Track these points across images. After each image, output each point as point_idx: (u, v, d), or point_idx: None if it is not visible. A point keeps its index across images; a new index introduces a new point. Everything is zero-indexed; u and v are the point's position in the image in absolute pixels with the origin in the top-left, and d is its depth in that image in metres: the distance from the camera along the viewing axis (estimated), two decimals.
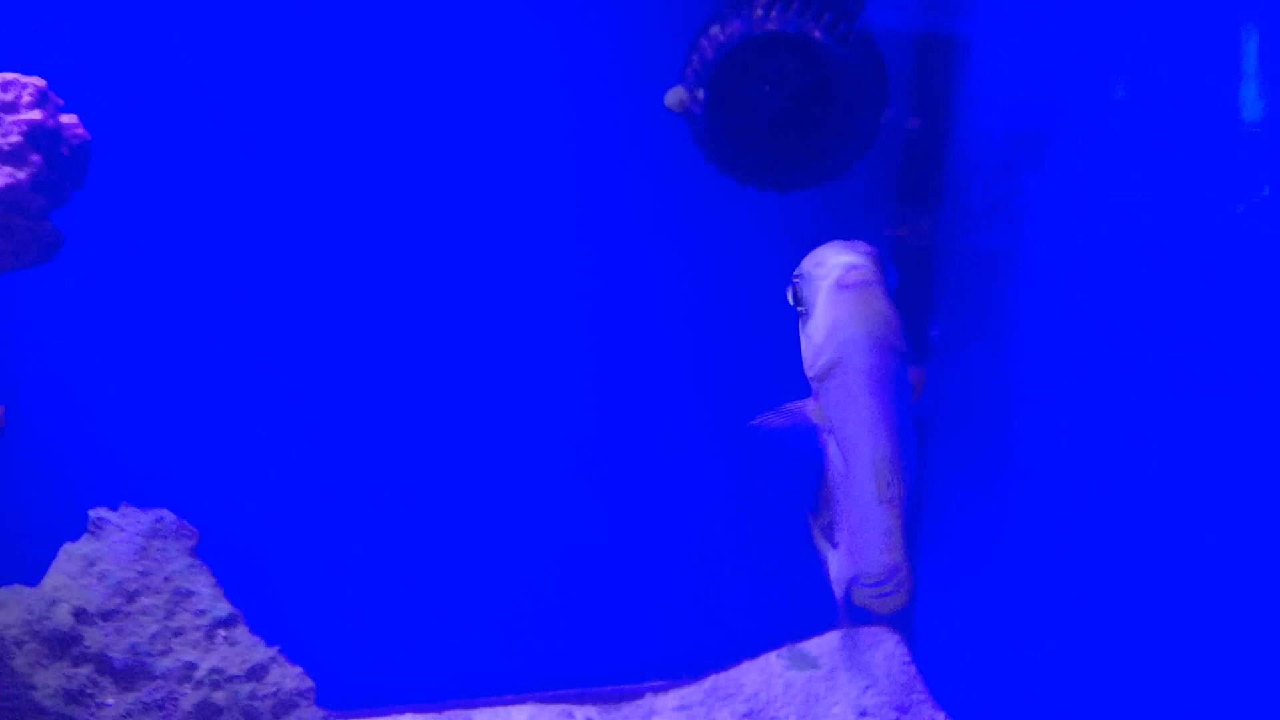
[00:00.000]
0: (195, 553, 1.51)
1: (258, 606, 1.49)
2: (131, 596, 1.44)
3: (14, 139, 1.10)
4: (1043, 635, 1.83)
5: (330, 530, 1.76)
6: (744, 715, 1.74)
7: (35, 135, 1.11)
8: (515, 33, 1.65)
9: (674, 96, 1.45)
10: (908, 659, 1.86)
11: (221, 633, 1.45)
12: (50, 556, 1.46)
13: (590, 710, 1.87)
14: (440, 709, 1.87)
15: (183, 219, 1.62)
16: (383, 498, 1.77)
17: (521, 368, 1.78)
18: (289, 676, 1.42)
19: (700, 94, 1.44)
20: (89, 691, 1.36)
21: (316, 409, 1.72)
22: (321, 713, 1.42)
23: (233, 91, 1.58)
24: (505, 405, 1.78)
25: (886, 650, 1.88)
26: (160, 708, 1.36)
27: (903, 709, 1.76)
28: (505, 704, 1.88)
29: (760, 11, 1.40)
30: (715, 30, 1.44)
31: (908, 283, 1.19)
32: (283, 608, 1.60)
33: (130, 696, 1.36)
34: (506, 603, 1.87)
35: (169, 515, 1.51)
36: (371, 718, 1.74)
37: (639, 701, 1.89)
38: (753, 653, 1.90)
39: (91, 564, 1.45)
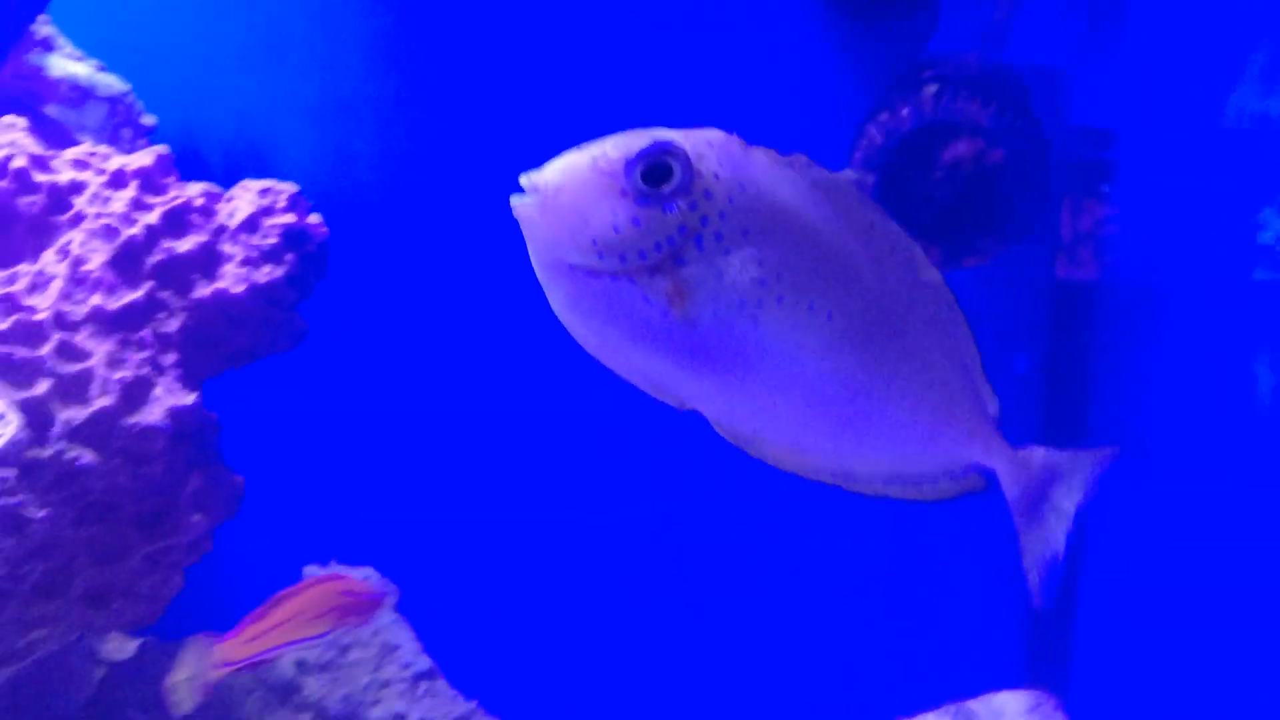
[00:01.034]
0: (397, 609, 1.64)
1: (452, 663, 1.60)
2: (344, 650, 1.56)
3: (273, 240, 1.23)
4: (1201, 705, 1.83)
5: (526, 582, 1.85)
6: None
7: (290, 236, 1.24)
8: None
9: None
10: None
11: (424, 685, 1.56)
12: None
13: None
14: None
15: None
16: (579, 553, 1.86)
17: None
18: None
19: (869, 179, 1.52)
20: None
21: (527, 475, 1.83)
22: None
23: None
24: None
25: (1046, 714, 1.90)
26: None
27: None
28: None
29: (930, 100, 1.48)
30: (884, 117, 1.52)
31: None
32: (475, 666, 1.69)
33: None
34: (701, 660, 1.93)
35: (374, 572, 1.64)
36: None
37: None
38: (909, 713, 1.94)
39: None
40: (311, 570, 1.62)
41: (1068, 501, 0.87)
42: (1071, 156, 1.79)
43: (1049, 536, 0.88)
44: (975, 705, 1.92)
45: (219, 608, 1.74)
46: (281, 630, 1.23)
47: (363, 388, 1.76)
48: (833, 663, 1.97)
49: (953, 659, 1.98)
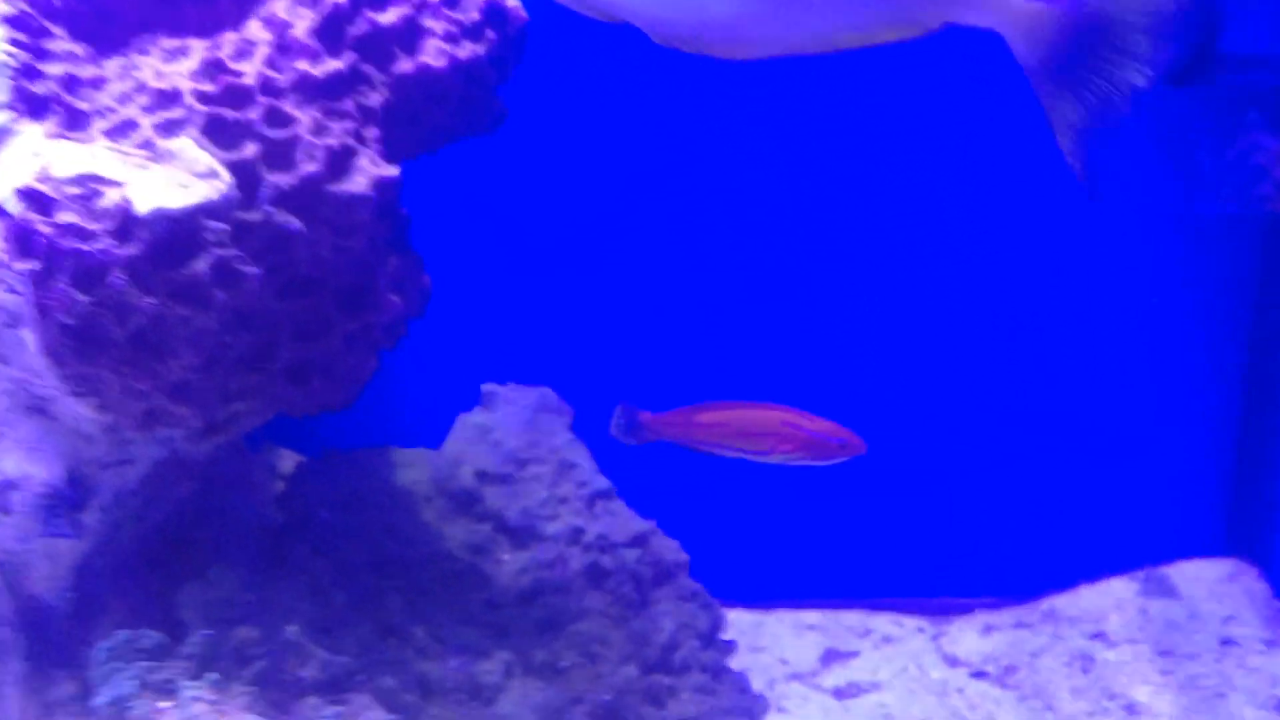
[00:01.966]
0: (572, 429, 1.61)
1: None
2: (522, 464, 1.54)
3: (474, 16, 1.18)
4: None
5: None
6: (1093, 636, 1.70)
7: (490, 13, 1.19)
8: None
9: None
10: (1271, 594, 1.76)
11: (601, 503, 1.54)
12: (444, 427, 1.59)
13: (921, 621, 1.88)
14: (768, 609, 1.92)
15: None
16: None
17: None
18: (667, 548, 1.49)
19: None
20: (489, 546, 1.47)
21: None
22: (696, 586, 1.48)
23: None
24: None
25: (1247, 584, 1.78)
26: (551, 566, 1.45)
27: (1271, 643, 1.67)
28: (834, 609, 1.90)
29: None
30: None
31: None
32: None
33: (524, 554, 1.46)
34: (852, 510, 1.88)
35: (552, 393, 1.61)
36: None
37: (970, 617, 1.87)
38: (1091, 578, 1.85)
39: (486, 432, 1.57)
40: (491, 388, 1.60)
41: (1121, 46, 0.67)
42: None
43: (1089, 97, 0.69)
44: (1169, 572, 1.81)
45: (393, 420, 1.76)
46: (716, 431, 1.23)
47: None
48: (1019, 520, 1.89)
49: (1146, 523, 1.87)
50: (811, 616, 1.86)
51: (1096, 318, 1.84)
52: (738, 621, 1.76)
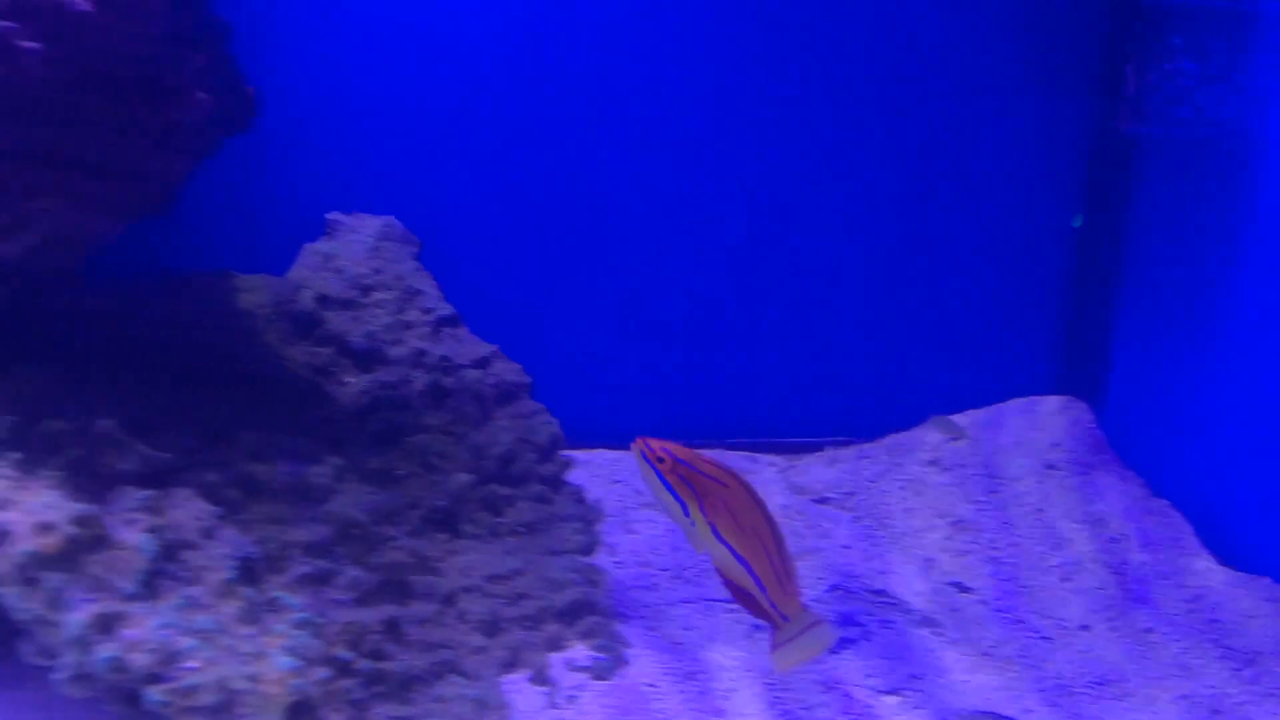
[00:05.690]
0: (419, 258, 1.62)
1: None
2: (366, 290, 1.54)
3: None
4: (1231, 409, 1.80)
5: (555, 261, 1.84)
6: (929, 463, 1.78)
7: None
8: None
9: None
10: (1094, 424, 1.86)
11: (446, 329, 1.55)
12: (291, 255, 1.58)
13: (774, 458, 1.94)
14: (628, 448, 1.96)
15: None
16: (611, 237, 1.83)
17: None
18: (510, 370, 1.52)
19: None
20: (332, 369, 1.48)
21: None
22: (537, 405, 1.51)
23: None
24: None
25: (1074, 415, 1.88)
26: (395, 387, 1.46)
27: (1089, 466, 1.77)
28: (694, 447, 1.96)
29: None
30: None
31: None
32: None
33: (368, 376, 1.47)
34: (707, 355, 1.93)
35: (397, 222, 1.61)
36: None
37: (819, 453, 1.94)
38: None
39: (329, 259, 1.56)
40: (336, 216, 1.59)
41: None
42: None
43: None
44: (1002, 407, 1.90)
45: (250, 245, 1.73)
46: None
47: None
48: (869, 368, 1.97)
49: (984, 364, 1.97)
50: None
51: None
52: (598, 459, 1.80)
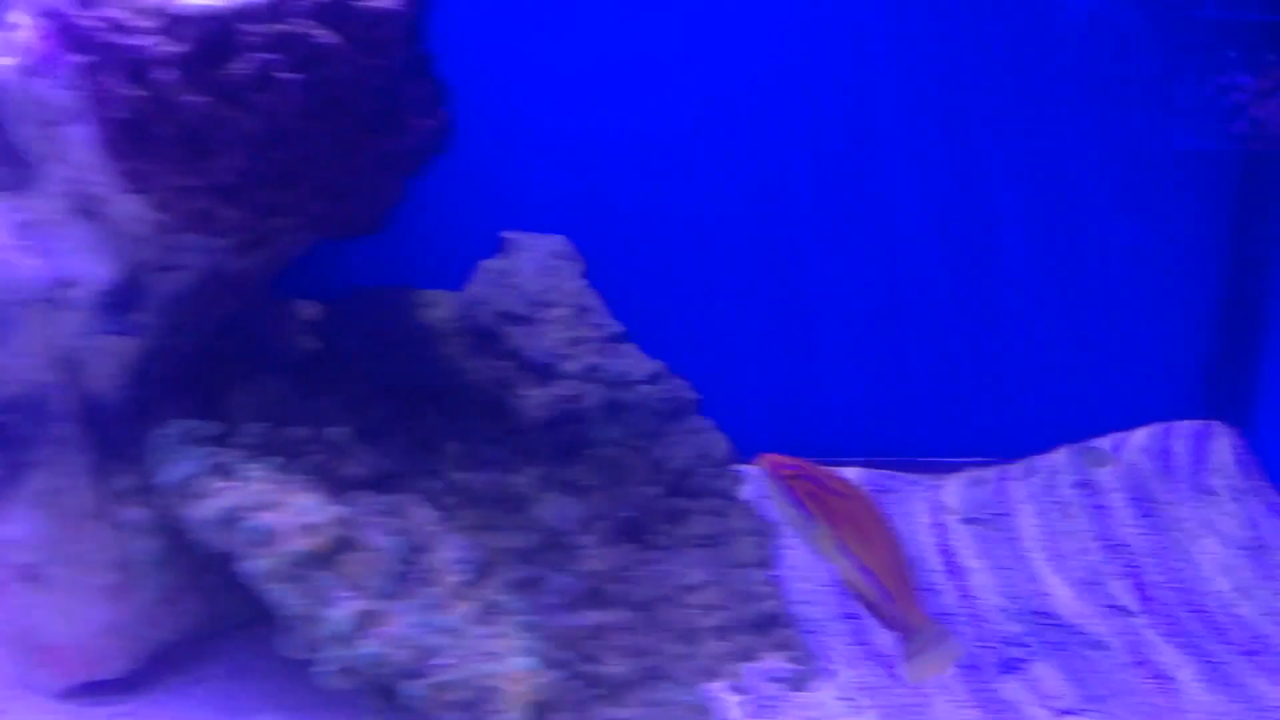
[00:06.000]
0: (585, 276, 1.66)
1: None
2: (540, 307, 1.59)
3: None
4: None
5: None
6: (1078, 485, 1.78)
7: None
8: None
9: None
10: (1244, 449, 1.84)
11: (616, 345, 1.59)
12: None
13: (914, 476, 1.95)
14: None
15: None
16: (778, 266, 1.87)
17: None
18: (680, 387, 1.55)
19: None
20: (512, 382, 1.52)
21: None
22: (707, 421, 1.54)
23: None
24: None
25: (1224, 440, 1.87)
26: (572, 401, 1.51)
27: (1242, 492, 1.76)
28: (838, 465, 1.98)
29: None
30: None
31: None
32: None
33: (547, 390, 1.52)
34: (847, 374, 1.95)
35: (565, 240, 1.66)
36: None
37: (959, 473, 1.95)
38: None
39: (505, 276, 1.61)
40: (510, 235, 1.64)
41: None
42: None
43: None
44: (1148, 431, 1.90)
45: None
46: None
47: None
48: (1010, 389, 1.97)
49: (1131, 390, 1.97)
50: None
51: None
52: (747, 474, 1.83)
